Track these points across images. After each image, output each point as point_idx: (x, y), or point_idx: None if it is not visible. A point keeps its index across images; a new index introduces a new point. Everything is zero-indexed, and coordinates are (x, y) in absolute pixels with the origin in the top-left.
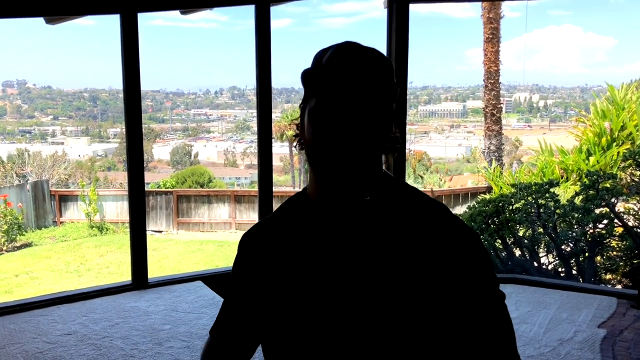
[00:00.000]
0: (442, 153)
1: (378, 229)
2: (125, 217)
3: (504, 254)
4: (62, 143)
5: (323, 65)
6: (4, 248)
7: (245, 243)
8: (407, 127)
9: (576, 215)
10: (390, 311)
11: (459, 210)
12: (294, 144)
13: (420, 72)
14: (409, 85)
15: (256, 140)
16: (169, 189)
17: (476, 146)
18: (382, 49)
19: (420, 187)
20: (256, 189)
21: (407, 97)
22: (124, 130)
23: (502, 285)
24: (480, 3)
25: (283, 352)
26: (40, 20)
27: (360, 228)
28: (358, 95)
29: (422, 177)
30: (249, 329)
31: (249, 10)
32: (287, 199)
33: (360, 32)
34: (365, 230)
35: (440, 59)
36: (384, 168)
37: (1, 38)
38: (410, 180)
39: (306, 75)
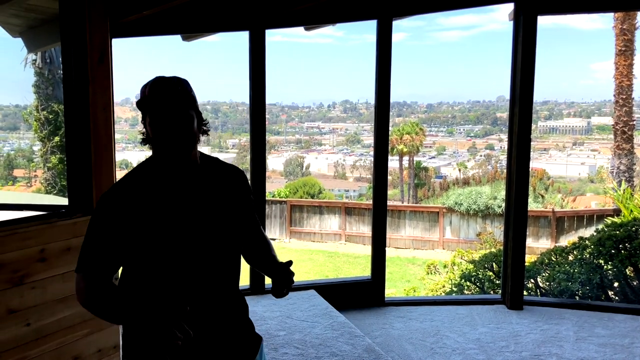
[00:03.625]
0: (563, 171)
1: (204, 176)
2: None
3: (635, 283)
4: None
5: (147, 96)
6: None
7: (111, 198)
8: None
9: None
10: (225, 214)
11: (585, 233)
12: (138, 140)
13: (540, 86)
14: None
15: (366, 154)
16: (283, 199)
17: (602, 165)
18: (506, 61)
19: (540, 207)
20: (366, 202)
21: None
22: (242, 141)
23: (633, 316)
24: (612, 14)
25: (160, 267)
26: (177, 37)
27: (192, 178)
28: (171, 108)
29: (542, 197)
30: (114, 260)
31: (364, 25)
32: (133, 168)
33: (477, 46)
34: (196, 177)
35: (563, 72)
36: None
37: (140, 55)
38: (530, 199)
39: (139, 103)
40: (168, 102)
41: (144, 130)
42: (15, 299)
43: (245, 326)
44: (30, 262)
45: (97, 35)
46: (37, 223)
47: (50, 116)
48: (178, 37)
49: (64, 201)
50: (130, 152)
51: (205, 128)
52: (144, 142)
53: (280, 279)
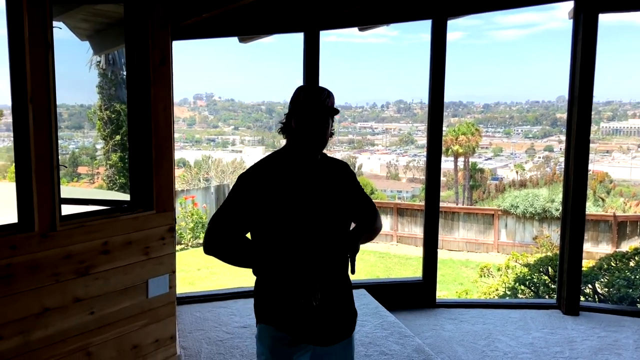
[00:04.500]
0: (627, 175)
1: (324, 170)
2: None
3: None
4: (240, 151)
5: (302, 100)
6: (189, 244)
7: (248, 177)
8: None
9: None
10: (339, 201)
11: None
12: (277, 128)
13: (603, 86)
14: None
15: (419, 154)
16: None
17: None
18: (567, 61)
19: (600, 211)
20: (418, 203)
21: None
22: None
23: None
24: None
25: (285, 237)
26: (234, 39)
27: (316, 169)
28: (318, 116)
29: (603, 200)
30: (242, 224)
31: (420, 24)
32: (267, 155)
33: (537, 44)
34: (319, 170)
35: (629, 71)
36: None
37: (198, 56)
38: (589, 203)
39: (294, 102)
40: (317, 109)
41: (284, 121)
42: (81, 289)
43: (351, 301)
44: (95, 254)
45: (158, 38)
46: (101, 217)
47: (113, 115)
48: (235, 38)
49: (120, 196)
50: (187, 151)
51: (332, 132)
52: (282, 131)
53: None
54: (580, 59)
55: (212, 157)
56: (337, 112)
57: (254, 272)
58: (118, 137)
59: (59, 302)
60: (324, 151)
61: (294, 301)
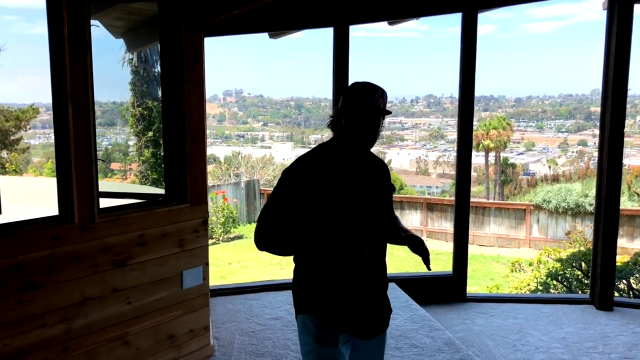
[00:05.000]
0: None
1: (367, 166)
2: None
3: None
4: (270, 147)
5: (354, 97)
6: (220, 238)
7: (292, 171)
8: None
9: None
10: (379, 198)
11: None
12: (327, 122)
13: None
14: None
15: (450, 149)
16: None
17: None
18: (599, 52)
19: (636, 206)
20: (449, 198)
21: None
22: (324, 136)
23: None
24: None
25: (328, 224)
26: (263, 35)
27: (363, 164)
28: (369, 115)
29: (638, 195)
30: (290, 220)
31: (450, 18)
32: (313, 148)
33: (571, 37)
34: (363, 166)
35: None
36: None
37: (228, 53)
38: (624, 198)
39: (345, 98)
40: (368, 110)
41: (334, 114)
42: (118, 279)
43: (387, 298)
44: (131, 246)
45: (191, 35)
46: (137, 210)
47: (145, 112)
48: (264, 34)
49: (154, 190)
50: (217, 147)
51: (381, 130)
52: (331, 127)
53: (415, 249)
54: (615, 51)
55: (242, 153)
56: (388, 113)
57: (295, 260)
58: (150, 134)
59: (98, 292)
60: None
61: (338, 283)
